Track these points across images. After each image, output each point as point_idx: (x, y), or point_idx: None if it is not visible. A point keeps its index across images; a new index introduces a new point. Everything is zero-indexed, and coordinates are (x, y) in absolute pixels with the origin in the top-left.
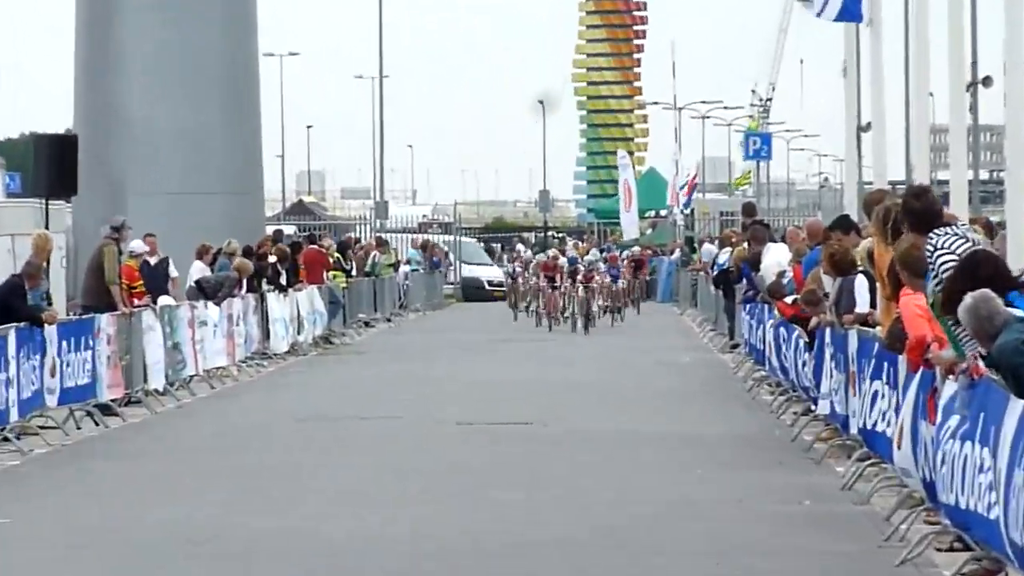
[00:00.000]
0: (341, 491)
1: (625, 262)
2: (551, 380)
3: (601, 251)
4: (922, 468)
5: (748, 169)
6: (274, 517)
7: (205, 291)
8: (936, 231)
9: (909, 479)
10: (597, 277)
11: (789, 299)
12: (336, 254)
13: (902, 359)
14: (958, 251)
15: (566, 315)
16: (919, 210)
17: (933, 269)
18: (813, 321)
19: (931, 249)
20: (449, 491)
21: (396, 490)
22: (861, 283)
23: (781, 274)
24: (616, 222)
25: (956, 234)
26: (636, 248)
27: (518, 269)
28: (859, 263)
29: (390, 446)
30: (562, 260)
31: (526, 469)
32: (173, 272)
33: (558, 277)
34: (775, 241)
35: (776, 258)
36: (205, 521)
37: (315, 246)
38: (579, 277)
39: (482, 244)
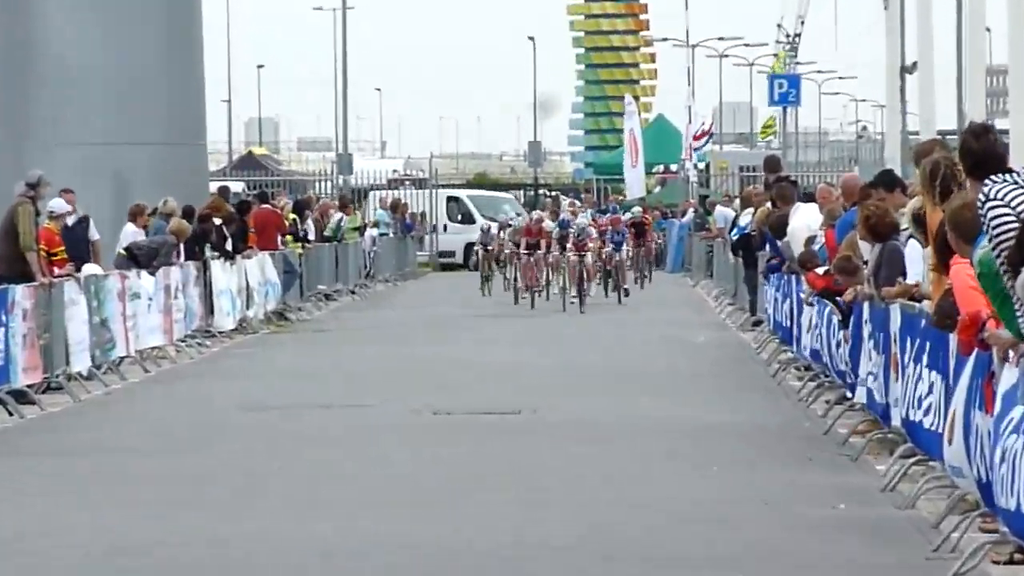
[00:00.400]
0: (298, 495)
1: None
2: (542, 362)
3: (602, 212)
4: (977, 467)
5: (773, 116)
6: (219, 526)
7: (137, 258)
8: (993, 178)
9: (961, 479)
10: (590, 244)
11: (821, 269)
12: (292, 215)
13: (953, 338)
14: (1016, 204)
15: (554, 290)
16: (978, 152)
17: (984, 222)
18: (848, 294)
19: (982, 199)
20: (426, 492)
21: (362, 492)
22: (913, 249)
23: (811, 239)
24: (619, 179)
25: (1017, 184)
26: (636, 209)
27: (494, 231)
28: (902, 226)
29: (355, 440)
30: (549, 224)
31: (513, 465)
32: (94, 234)
33: (543, 244)
34: (804, 201)
35: (805, 221)
36: (138, 532)
37: (267, 205)
38: (569, 244)
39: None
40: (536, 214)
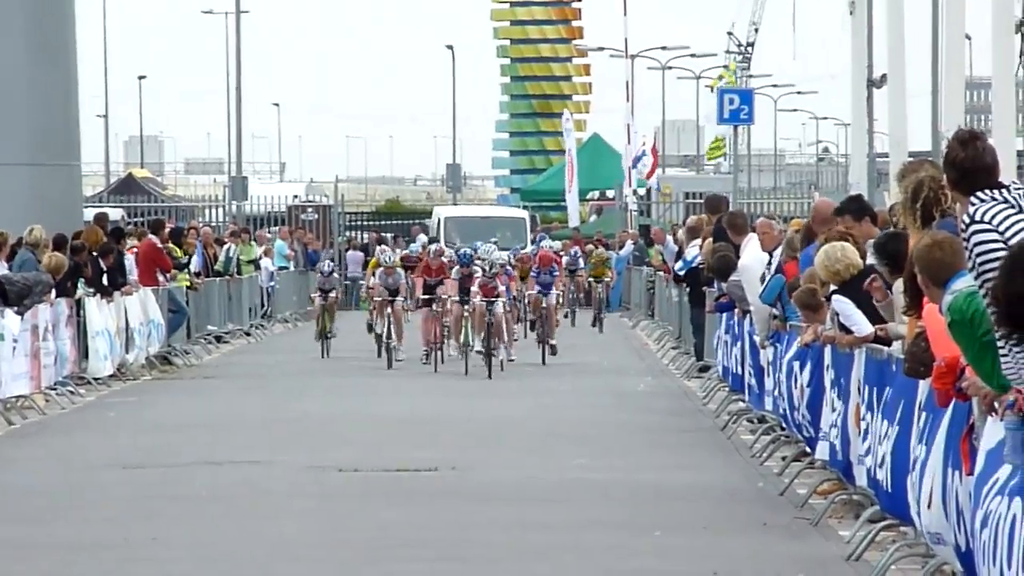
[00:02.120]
0: (178, 570)
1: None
2: (461, 415)
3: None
4: (955, 533)
5: (721, 137)
6: None
7: (7, 295)
8: (980, 195)
9: (939, 547)
10: (500, 288)
11: None
12: (170, 244)
13: (925, 386)
14: (1003, 228)
15: (450, 351)
16: (965, 161)
17: (967, 248)
18: (808, 334)
19: (966, 221)
20: (329, 565)
21: (256, 565)
22: (844, 304)
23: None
24: (549, 206)
25: (1005, 202)
26: (549, 243)
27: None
28: (857, 264)
29: (250, 503)
30: (448, 254)
31: (430, 531)
32: None
33: (448, 285)
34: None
35: (758, 254)
36: None
37: (154, 236)
38: (474, 287)
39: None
40: (435, 246)
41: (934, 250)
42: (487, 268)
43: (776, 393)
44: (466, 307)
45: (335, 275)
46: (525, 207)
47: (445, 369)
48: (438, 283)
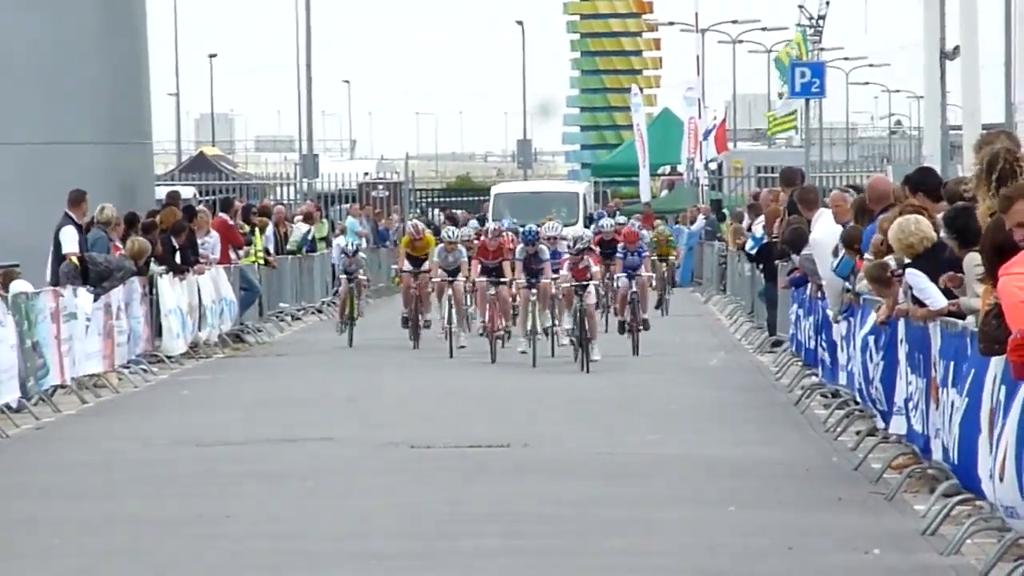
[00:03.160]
0: (254, 545)
1: (590, 243)
2: (533, 390)
3: (591, 221)
4: None
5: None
6: None
7: (88, 274)
8: None
9: (1014, 521)
10: (564, 271)
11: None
12: (242, 223)
13: (1000, 359)
14: None
15: (509, 334)
16: None
17: None
18: (881, 312)
19: None
20: (404, 540)
21: (330, 541)
22: (918, 278)
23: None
24: (620, 181)
25: None
26: (608, 221)
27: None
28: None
29: (324, 480)
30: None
31: (504, 508)
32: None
33: (507, 267)
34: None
35: (829, 229)
36: None
37: (226, 214)
38: (544, 269)
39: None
40: (493, 224)
41: (999, 224)
42: (572, 244)
43: (850, 367)
44: (532, 291)
45: (361, 255)
46: (597, 182)
47: (505, 359)
48: (497, 266)
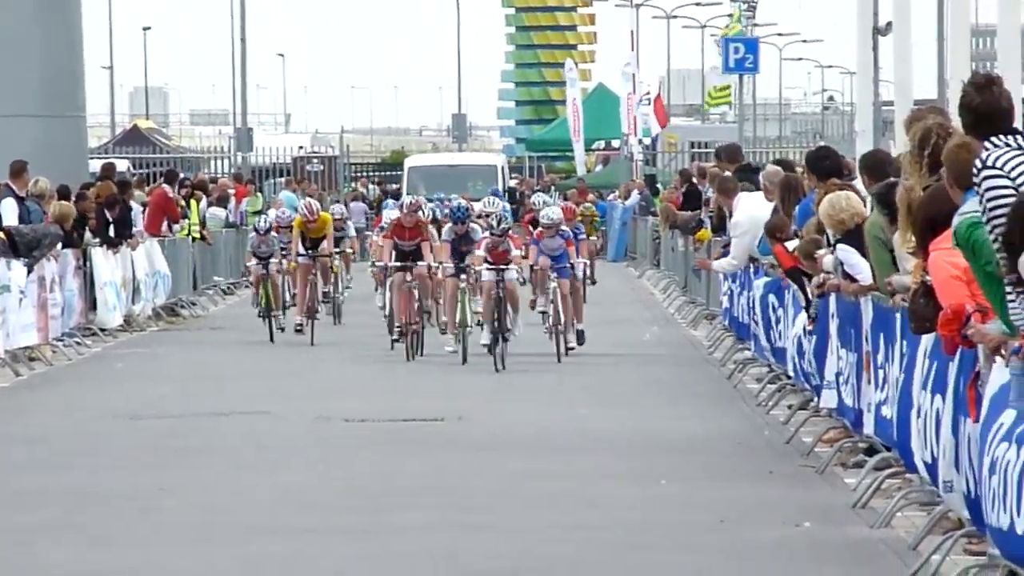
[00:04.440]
0: (184, 519)
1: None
2: (467, 366)
3: (512, 195)
4: (964, 480)
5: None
6: (89, 557)
7: (16, 246)
8: (995, 140)
9: (949, 495)
10: (515, 250)
11: (792, 244)
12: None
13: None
14: (1015, 174)
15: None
16: (980, 106)
17: (977, 193)
18: (815, 281)
19: (978, 165)
20: (335, 515)
21: (260, 515)
22: (849, 254)
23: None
24: (554, 156)
25: (1019, 149)
26: (542, 197)
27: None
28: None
29: (257, 453)
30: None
31: (437, 483)
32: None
33: (427, 250)
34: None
35: (749, 212)
36: (3, 564)
37: (168, 186)
38: (480, 250)
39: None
40: (409, 198)
41: (962, 151)
42: (495, 224)
43: (782, 342)
44: (462, 278)
45: (273, 234)
46: (531, 157)
47: (430, 358)
48: (415, 248)
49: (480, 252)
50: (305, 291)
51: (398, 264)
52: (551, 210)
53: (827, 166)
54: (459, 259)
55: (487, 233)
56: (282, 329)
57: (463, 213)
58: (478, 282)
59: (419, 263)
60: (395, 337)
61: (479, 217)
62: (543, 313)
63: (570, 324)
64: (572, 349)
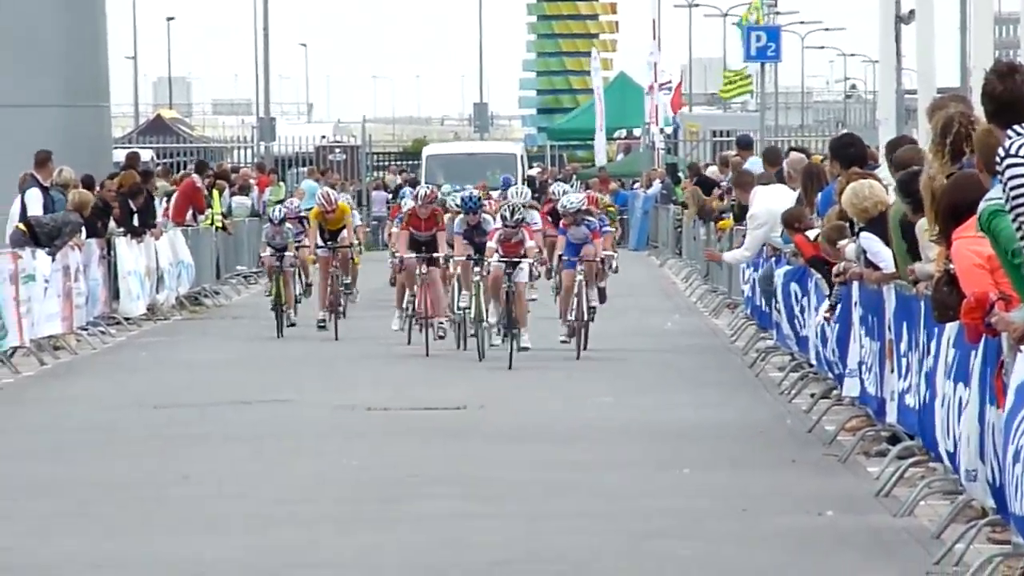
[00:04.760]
0: (206, 508)
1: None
2: (489, 353)
3: (531, 185)
4: (988, 468)
5: (746, 72)
6: (110, 545)
7: (37, 237)
8: (1018, 128)
9: (972, 484)
10: (530, 241)
11: (813, 232)
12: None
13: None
14: None
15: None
16: (1003, 95)
17: (1001, 181)
18: (836, 270)
19: (1001, 154)
20: (354, 503)
21: (280, 504)
22: (872, 242)
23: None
24: (576, 145)
25: None
26: (561, 186)
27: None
28: (885, 201)
29: (279, 442)
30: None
31: (457, 470)
32: None
33: (442, 240)
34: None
35: (766, 205)
36: (14, 553)
37: (197, 176)
38: (492, 241)
39: (399, 175)
40: (424, 188)
41: (991, 137)
42: (508, 215)
43: (804, 331)
44: (476, 269)
45: (288, 225)
46: (553, 146)
47: (440, 351)
48: (431, 239)
49: (491, 243)
50: (326, 285)
51: (415, 255)
52: (569, 197)
53: (852, 153)
54: (476, 250)
55: (499, 223)
56: (293, 324)
57: (474, 203)
58: (489, 275)
59: (435, 255)
60: (395, 327)
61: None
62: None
63: (592, 285)
64: (594, 309)
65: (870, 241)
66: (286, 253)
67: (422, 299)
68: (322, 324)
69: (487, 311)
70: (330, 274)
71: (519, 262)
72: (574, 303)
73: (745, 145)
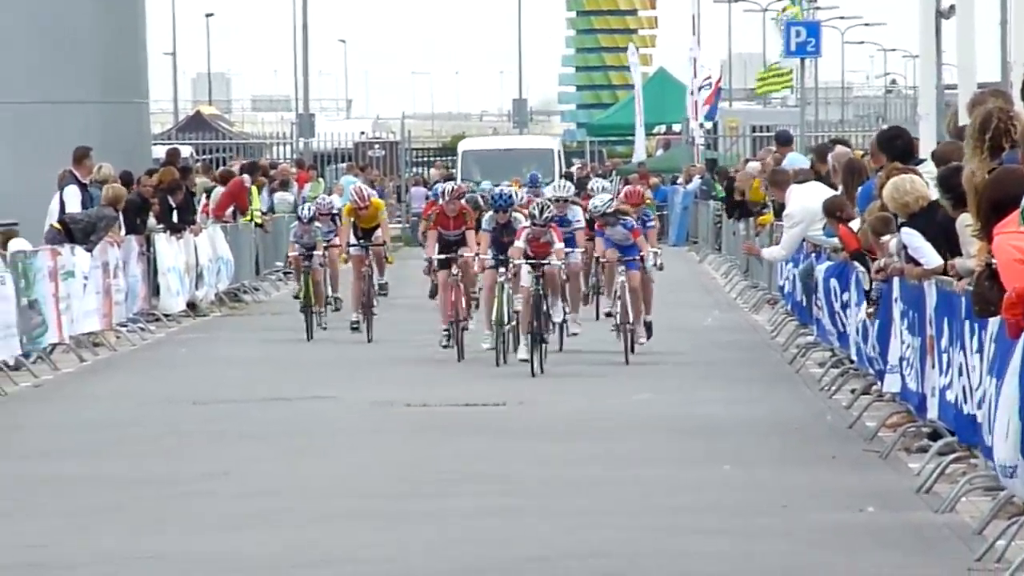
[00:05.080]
0: (244, 504)
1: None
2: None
3: (571, 180)
4: None
5: (786, 67)
6: (150, 541)
7: (72, 234)
8: None
9: (1010, 480)
10: (559, 243)
11: (855, 223)
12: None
13: (994, 322)
14: None
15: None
16: None
17: None
18: (876, 266)
19: None
20: (393, 500)
21: (319, 501)
22: (913, 237)
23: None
24: (616, 140)
25: None
26: (601, 182)
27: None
28: (926, 196)
29: (316, 439)
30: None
31: (495, 466)
32: None
33: (471, 238)
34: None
35: (802, 204)
36: (56, 548)
37: (248, 175)
38: (520, 240)
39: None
40: (451, 185)
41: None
42: (538, 213)
43: (845, 327)
44: (502, 271)
45: (317, 223)
46: (592, 142)
47: (475, 357)
48: (460, 237)
49: (520, 243)
50: (360, 285)
51: (441, 257)
52: (595, 201)
53: (899, 146)
54: (501, 251)
55: (528, 222)
56: (324, 327)
57: (506, 201)
58: (517, 276)
59: (462, 252)
60: (445, 342)
61: (557, 202)
62: (608, 314)
63: (639, 318)
64: (641, 343)
65: (911, 236)
66: (315, 252)
67: (453, 303)
68: (355, 326)
69: (507, 315)
70: (363, 274)
71: (546, 263)
72: (618, 306)
73: (784, 141)
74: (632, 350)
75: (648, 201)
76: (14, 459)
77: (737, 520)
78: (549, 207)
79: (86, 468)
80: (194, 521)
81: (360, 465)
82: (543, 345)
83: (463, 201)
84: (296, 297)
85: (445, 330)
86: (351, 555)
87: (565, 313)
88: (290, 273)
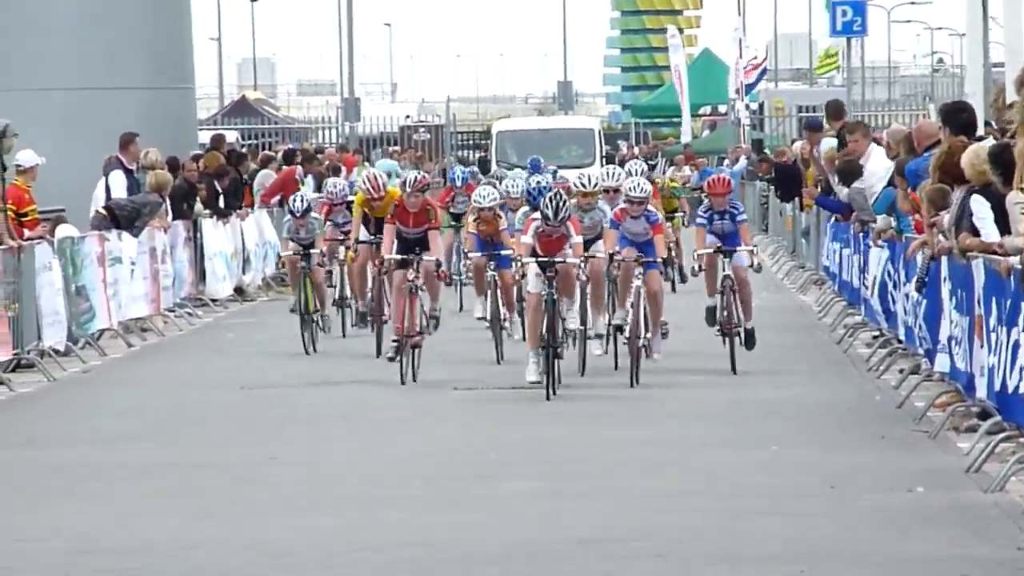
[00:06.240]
0: (295, 487)
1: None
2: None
3: (610, 161)
4: None
5: (834, 48)
6: (203, 525)
7: (118, 220)
8: None
9: None
10: (576, 237)
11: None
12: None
13: None
14: None
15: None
16: None
17: None
18: (916, 243)
19: None
20: (442, 482)
21: (368, 483)
22: (980, 204)
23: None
24: (661, 122)
25: None
26: (638, 164)
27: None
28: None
29: (363, 423)
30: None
31: (545, 449)
32: None
33: (434, 240)
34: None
35: (883, 164)
36: (111, 533)
37: (303, 166)
38: (523, 236)
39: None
40: (415, 173)
41: None
42: (552, 214)
43: (894, 306)
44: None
45: (313, 214)
46: (637, 123)
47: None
48: (421, 237)
49: (527, 238)
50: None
51: (398, 258)
52: (634, 181)
53: (964, 119)
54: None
55: (537, 215)
56: (326, 329)
57: (535, 193)
58: (517, 279)
59: (425, 257)
60: (392, 354)
61: (606, 192)
62: (620, 328)
63: (657, 330)
64: (656, 359)
65: (980, 205)
66: (312, 251)
67: (401, 312)
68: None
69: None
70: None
71: (562, 262)
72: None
73: (814, 127)
74: (638, 368)
75: (672, 183)
76: (61, 445)
77: (785, 501)
78: (566, 202)
79: (135, 454)
80: (245, 506)
81: (414, 448)
82: (556, 362)
83: (426, 195)
84: (293, 311)
85: (395, 341)
86: (405, 539)
87: (587, 327)
88: (285, 280)
